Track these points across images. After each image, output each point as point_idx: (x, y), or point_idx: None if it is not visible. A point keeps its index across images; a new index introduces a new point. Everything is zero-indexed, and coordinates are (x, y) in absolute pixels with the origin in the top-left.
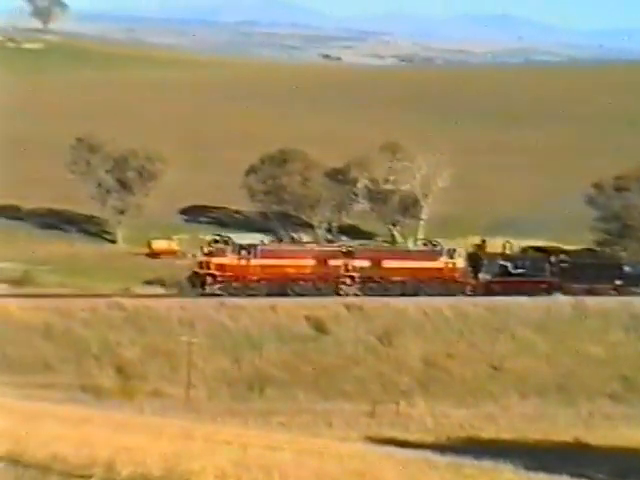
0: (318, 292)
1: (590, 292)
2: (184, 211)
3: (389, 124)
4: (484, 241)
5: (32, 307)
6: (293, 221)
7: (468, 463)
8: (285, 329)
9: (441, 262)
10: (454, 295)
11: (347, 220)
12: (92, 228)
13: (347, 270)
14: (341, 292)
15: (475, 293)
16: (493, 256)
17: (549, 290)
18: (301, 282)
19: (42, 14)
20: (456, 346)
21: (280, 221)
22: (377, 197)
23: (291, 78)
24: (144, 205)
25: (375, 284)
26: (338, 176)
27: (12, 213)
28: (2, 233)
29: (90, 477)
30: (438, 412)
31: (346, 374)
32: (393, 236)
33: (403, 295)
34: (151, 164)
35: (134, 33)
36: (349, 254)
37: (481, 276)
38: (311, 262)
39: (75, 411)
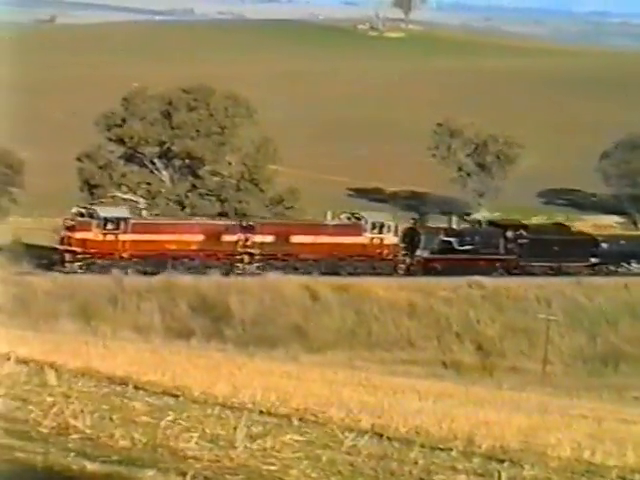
0: (205, 270)
1: (558, 271)
2: (541, 194)
3: None
4: (423, 215)
5: (396, 287)
6: None
7: None
8: (639, 306)
9: (365, 237)
10: (383, 274)
11: None
12: (453, 210)
13: (245, 246)
14: (238, 271)
15: (410, 273)
16: (434, 231)
17: (506, 269)
18: (185, 260)
19: (403, 5)
20: None
21: (633, 203)
22: None
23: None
24: (502, 188)
25: (281, 262)
26: None
27: (376, 195)
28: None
29: (450, 450)
30: None
31: None
32: None
33: (324, 274)
34: (509, 148)
35: (491, 22)
36: (249, 228)
37: (418, 253)
38: (198, 237)
39: (436, 386)
